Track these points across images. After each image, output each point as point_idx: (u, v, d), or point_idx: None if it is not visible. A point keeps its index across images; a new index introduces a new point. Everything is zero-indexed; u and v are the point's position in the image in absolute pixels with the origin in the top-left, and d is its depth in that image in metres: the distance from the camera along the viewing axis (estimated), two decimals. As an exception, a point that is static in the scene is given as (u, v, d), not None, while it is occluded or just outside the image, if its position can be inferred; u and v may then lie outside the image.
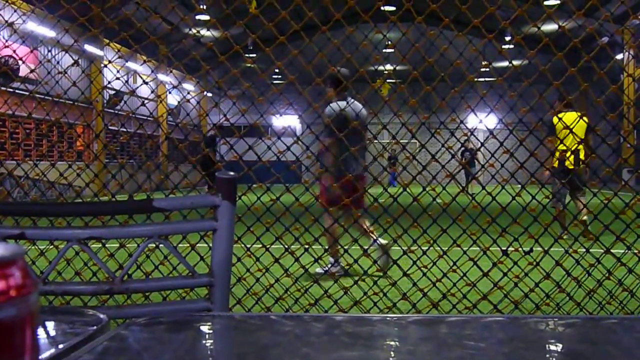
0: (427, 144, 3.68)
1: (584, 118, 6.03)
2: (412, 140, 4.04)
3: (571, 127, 3.69)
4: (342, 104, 5.65)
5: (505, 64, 3.66)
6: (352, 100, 5.71)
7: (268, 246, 3.73)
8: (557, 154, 7.35)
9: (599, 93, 3.68)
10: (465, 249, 3.61)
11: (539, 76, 3.55)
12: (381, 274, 3.63)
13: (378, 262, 4.99)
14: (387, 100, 3.73)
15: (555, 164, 7.38)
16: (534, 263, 3.60)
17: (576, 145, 6.06)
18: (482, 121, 3.65)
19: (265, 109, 3.82)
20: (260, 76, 3.97)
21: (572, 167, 7.44)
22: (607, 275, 3.61)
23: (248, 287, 3.81)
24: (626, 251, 3.59)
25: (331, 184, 5.41)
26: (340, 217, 4.32)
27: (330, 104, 5.59)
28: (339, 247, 5.15)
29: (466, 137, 3.70)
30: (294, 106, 4.35)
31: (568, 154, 6.93)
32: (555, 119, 7.09)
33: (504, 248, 3.63)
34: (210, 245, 1.52)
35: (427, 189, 3.68)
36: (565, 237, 7.48)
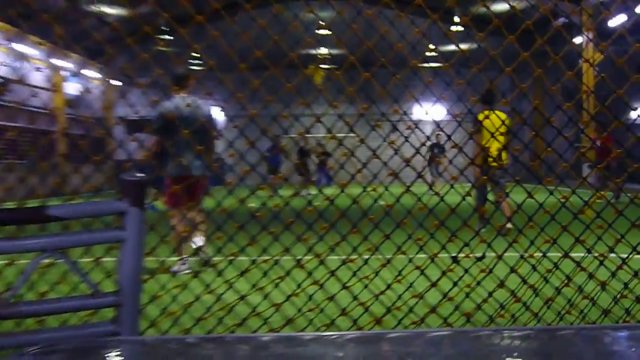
0: (367, 138, 3.72)
1: (501, 115, 6.67)
2: (349, 134, 4.08)
3: (496, 125, 3.82)
4: (176, 101, 6.59)
5: (453, 47, 3.74)
6: (191, 99, 6.83)
7: (187, 257, 3.69)
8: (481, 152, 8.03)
9: (555, 80, 3.81)
10: (411, 256, 3.67)
11: (490, 62, 3.64)
12: (317, 287, 3.65)
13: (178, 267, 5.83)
14: (320, 89, 3.75)
15: (480, 162, 8.06)
16: (487, 270, 3.69)
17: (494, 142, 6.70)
18: (427, 112, 3.72)
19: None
20: (175, 62, 3.92)
21: (495, 164, 8.13)
22: (565, 281, 3.73)
23: (163, 307, 3.76)
24: (586, 254, 3.72)
25: (169, 183, 6.60)
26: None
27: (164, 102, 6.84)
28: (185, 246, 6.02)
29: (437, 131, 3.77)
30: (215, 96, 4.31)
31: (495, 149, 7.48)
32: (481, 116, 7.76)
33: (453, 254, 3.71)
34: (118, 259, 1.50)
35: (368, 189, 3.72)
36: (484, 230, 8.26)
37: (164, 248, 3.65)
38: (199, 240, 6.22)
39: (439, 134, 18.52)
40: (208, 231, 3.76)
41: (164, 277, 3.79)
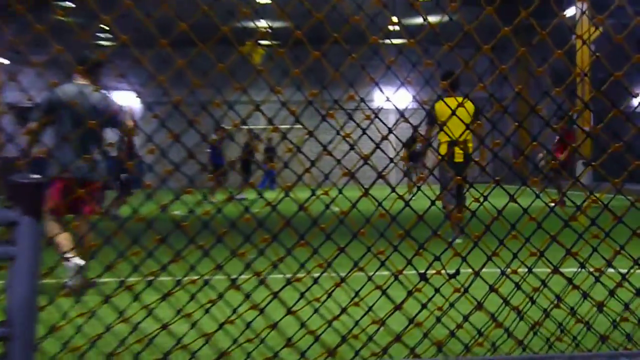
0: (317, 130, 3.73)
1: (469, 101, 6.98)
2: (296, 126, 4.08)
3: (452, 113, 3.85)
4: (67, 87, 6.73)
5: (420, 20, 3.78)
6: (85, 86, 7.23)
7: (93, 279, 3.65)
8: (444, 146, 8.49)
9: (542, 61, 3.87)
10: (370, 274, 3.69)
11: (464, 38, 3.69)
12: (257, 312, 3.65)
13: (71, 282, 6.11)
14: (260, 70, 3.74)
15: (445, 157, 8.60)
16: (462, 290, 3.73)
17: (465, 134, 7.08)
18: (389, 99, 3.74)
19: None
20: (78, 35, 3.88)
21: (461, 160, 8.52)
22: (555, 302, 3.81)
23: (64, 341, 3.71)
24: (579, 270, 3.80)
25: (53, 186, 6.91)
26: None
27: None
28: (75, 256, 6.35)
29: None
30: (129, 78, 4.27)
31: (465, 138, 7.82)
32: (438, 104, 8.35)
33: (422, 271, 3.74)
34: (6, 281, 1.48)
35: (318, 192, 3.74)
36: (459, 240, 8.63)
37: (95, 265, 3.60)
38: (78, 260, 6.46)
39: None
40: (120, 245, 3.74)
41: (66, 303, 3.74)
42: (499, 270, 3.81)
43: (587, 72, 4.04)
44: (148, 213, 3.71)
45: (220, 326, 3.73)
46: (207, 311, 3.72)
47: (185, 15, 3.71)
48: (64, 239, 6.63)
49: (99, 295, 3.70)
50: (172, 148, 3.75)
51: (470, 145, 9.09)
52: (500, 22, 3.79)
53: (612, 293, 3.84)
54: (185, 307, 3.72)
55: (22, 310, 1.46)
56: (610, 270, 3.85)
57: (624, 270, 3.86)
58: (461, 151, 9.03)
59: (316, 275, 3.75)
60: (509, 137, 3.84)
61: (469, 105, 8.74)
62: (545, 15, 4.04)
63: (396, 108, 3.92)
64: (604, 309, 3.84)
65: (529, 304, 3.80)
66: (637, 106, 3.96)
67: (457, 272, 3.78)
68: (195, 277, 3.71)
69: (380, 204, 3.72)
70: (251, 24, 3.89)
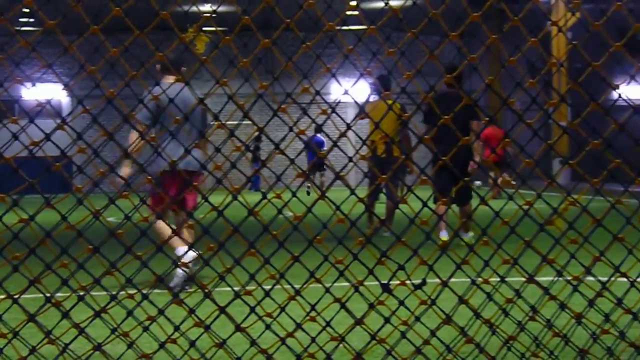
0: (269, 127, 3.74)
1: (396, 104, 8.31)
2: (244, 122, 4.08)
3: (380, 117, 3.94)
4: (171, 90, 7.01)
5: (380, 4, 3.80)
6: None
7: (17, 296, 3.62)
8: (370, 143, 10.00)
9: (515, 50, 3.91)
10: (328, 285, 3.70)
11: (429, 24, 3.71)
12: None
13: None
14: (204, 60, 3.74)
15: (370, 153, 10.02)
16: (429, 301, 3.76)
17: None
18: (348, 92, 3.76)
19: (7, 73, 3.70)
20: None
21: (385, 155, 10.23)
22: (530, 314, 3.85)
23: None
24: (556, 278, 3.85)
25: None
26: None
27: None
28: None
29: None
30: (56, 69, 4.24)
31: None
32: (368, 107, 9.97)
33: (384, 281, 3.76)
34: None
35: (270, 195, 3.74)
36: (386, 233, 10.21)
37: (17, 279, 3.57)
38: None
39: None
40: (46, 256, 3.69)
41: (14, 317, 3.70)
42: (469, 280, 3.84)
43: (563, 62, 4.09)
44: (79, 221, 3.68)
45: (161, 346, 3.72)
46: (145, 329, 3.70)
47: (118, -1, 3.69)
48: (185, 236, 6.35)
49: (22, 314, 3.67)
50: (106, 147, 3.72)
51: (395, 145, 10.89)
52: (469, 7, 3.82)
53: (591, 303, 3.89)
54: (122, 324, 3.70)
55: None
56: (590, 278, 3.89)
57: (604, 279, 3.91)
58: (382, 145, 10.30)
59: (268, 287, 3.75)
60: (479, 133, 3.88)
61: (395, 106, 9.91)
62: (516, -1, 4.09)
63: (355, 102, 3.94)
64: (583, 320, 3.89)
65: (502, 316, 3.84)
66: (617, 99, 4.01)
67: (424, 282, 3.79)
68: (133, 292, 3.70)
69: (338, 208, 3.73)
70: (194, 8, 3.88)
